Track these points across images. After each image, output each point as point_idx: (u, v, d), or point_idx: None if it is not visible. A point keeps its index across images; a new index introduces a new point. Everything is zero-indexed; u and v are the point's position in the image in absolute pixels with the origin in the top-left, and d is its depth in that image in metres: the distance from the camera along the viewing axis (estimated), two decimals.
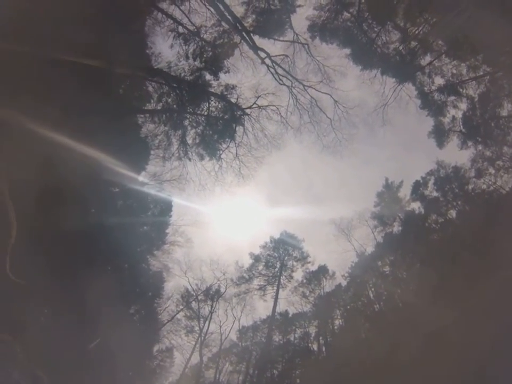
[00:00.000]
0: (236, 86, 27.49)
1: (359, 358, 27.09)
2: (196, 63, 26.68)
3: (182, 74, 26.51)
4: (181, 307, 37.96)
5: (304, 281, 43.47)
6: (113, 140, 21.42)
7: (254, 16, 26.77)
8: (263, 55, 27.69)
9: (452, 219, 33.00)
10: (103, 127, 20.72)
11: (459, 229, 28.82)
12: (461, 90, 26.31)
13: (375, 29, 25.77)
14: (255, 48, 27.48)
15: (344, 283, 41.07)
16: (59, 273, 18.95)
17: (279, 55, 28.27)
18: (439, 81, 26.87)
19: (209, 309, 38.84)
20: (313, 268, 44.57)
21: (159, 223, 33.82)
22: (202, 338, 36.16)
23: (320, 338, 38.08)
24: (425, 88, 27.19)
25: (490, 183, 30.31)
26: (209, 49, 26.87)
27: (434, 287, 26.61)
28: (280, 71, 28.57)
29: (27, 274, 15.73)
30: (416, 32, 24.54)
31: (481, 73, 24.45)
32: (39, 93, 16.60)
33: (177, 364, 37.04)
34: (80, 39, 19.33)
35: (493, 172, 29.81)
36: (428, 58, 25.85)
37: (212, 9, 25.19)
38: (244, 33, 26.98)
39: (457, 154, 31.04)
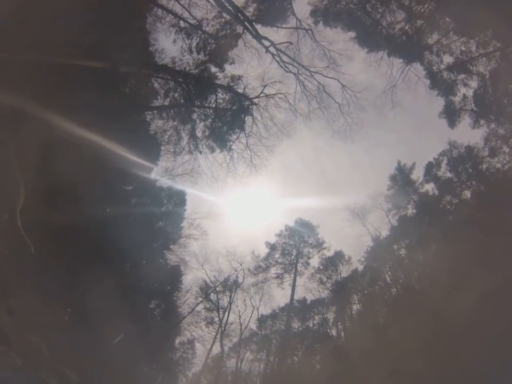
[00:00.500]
0: (242, 76, 27.41)
1: (378, 342, 27.27)
2: (200, 56, 26.63)
3: (187, 69, 26.52)
4: (200, 299, 38.63)
5: (321, 267, 43.43)
6: (123, 138, 21.66)
7: (255, 4, 26.42)
8: (267, 43, 27.46)
9: (466, 200, 32.48)
10: (113, 126, 20.96)
11: (474, 210, 28.37)
12: (471, 67, 25.50)
13: (379, 10, 25.12)
14: (259, 37, 27.23)
15: (360, 268, 41.11)
16: (78, 272, 19.54)
17: (283, 43, 27.94)
18: (447, 59, 26.20)
19: (228, 299, 39.42)
20: (329, 253, 44.45)
21: (174, 217, 34.25)
22: (223, 328, 36.87)
23: (339, 323, 38.57)
24: (434, 68, 26.52)
25: (505, 161, 29.57)
26: (213, 41, 26.74)
27: (451, 270, 26.41)
28: (285, 58, 28.32)
29: (47, 275, 16.30)
30: (422, 10, 23.81)
31: (491, 49, 23.61)
32: (46, 96, 16.88)
33: (199, 354, 38.14)
34: (83, 42, 19.53)
35: (507, 150, 29.07)
36: (435, 37, 25.11)
37: (212, 1, 25.00)
38: (246, 23, 26.73)
39: (470, 134, 30.35)
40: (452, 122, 28.51)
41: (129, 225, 26.31)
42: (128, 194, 29.25)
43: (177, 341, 36.45)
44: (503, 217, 24.12)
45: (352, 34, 27.12)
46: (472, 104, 27.20)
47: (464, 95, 27.27)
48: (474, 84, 26.64)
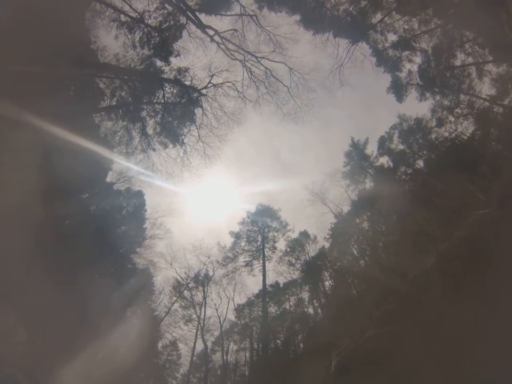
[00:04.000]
0: (189, 68, 26.99)
1: (354, 313, 28.55)
2: (144, 51, 25.89)
3: (132, 65, 25.72)
4: (175, 298, 38.09)
5: (288, 249, 44.15)
6: (73, 145, 20.53)
7: None
8: (211, 32, 27.11)
9: (420, 168, 34.33)
10: (61, 133, 19.77)
11: (428, 177, 30.13)
12: (414, 44, 26.76)
13: None
14: (203, 27, 26.77)
15: (327, 245, 42.14)
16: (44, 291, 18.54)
17: (228, 30, 27.79)
18: (392, 37, 27.29)
19: (202, 294, 39.20)
20: (294, 235, 45.21)
21: (135, 219, 33.27)
22: (202, 324, 36.72)
23: (314, 301, 39.68)
24: (379, 46, 27.56)
25: (451, 130, 31.48)
26: (156, 34, 25.95)
27: (413, 234, 28.08)
28: (231, 46, 28.21)
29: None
30: None
31: (433, 26, 24.98)
32: None
33: (183, 354, 37.70)
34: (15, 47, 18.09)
35: (453, 119, 30.91)
36: (378, 16, 26.08)
37: None
38: (188, 13, 26.12)
39: (417, 107, 32.40)
40: (400, 97, 29.90)
41: (91, 234, 25.22)
42: (86, 202, 27.81)
43: (159, 344, 36.02)
44: (454, 181, 25.92)
45: (297, 17, 27.49)
46: (418, 79, 28.61)
47: (409, 70, 28.64)
48: (418, 59, 28.05)
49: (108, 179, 30.21)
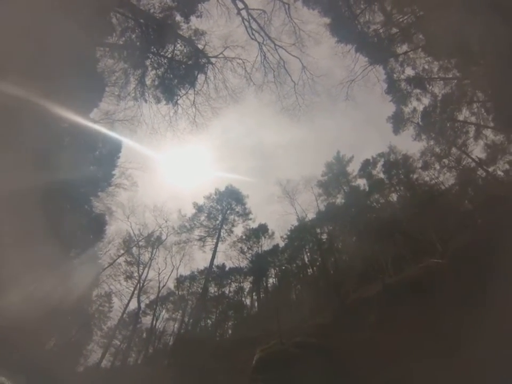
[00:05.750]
0: (206, 32, 26.64)
1: (288, 316, 29.33)
2: (167, 0, 24.88)
3: (152, 11, 24.87)
4: (122, 252, 37.65)
5: (244, 237, 44.40)
6: (65, 70, 19.55)
7: None
8: (240, 5, 26.64)
9: (392, 202, 35.60)
10: (55, 55, 18.77)
11: (397, 212, 31.13)
12: (427, 86, 27.48)
13: (361, 6, 25.57)
14: None
15: (281, 244, 42.72)
16: None
17: (257, 9, 27.25)
18: (409, 72, 27.75)
19: (149, 255, 38.85)
20: (254, 225, 45.41)
21: (106, 163, 32.27)
22: (141, 284, 36.51)
23: (254, 294, 40.45)
24: (395, 75, 28.03)
25: (433, 176, 32.73)
26: None
27: (365, 261, 29.03)
28: (254, 25, 27.75)
29: None
30: (401, 20, 24.67)
31: (451, 75, 25.65)
32: None
33: (115, 309, 37.48)
34: None
35: (438, 167, 32.07)
36: (404, 48, 26.41)
37: None
38: None
39: (410, 144, 33.35)
40: (397, 129, 30.76)
41: (57, 165, 24.24)
42: (62, 131, 26.66)
43: (94, 293, 35.48)
44: (420, 224, 26.93)
45: (327, 20, 27.40)
46: (419, 119, 29.61)
47: (414, 108, 29.56)
48: (426, 101, 28.87)
49: (91, 115, 29.13)
